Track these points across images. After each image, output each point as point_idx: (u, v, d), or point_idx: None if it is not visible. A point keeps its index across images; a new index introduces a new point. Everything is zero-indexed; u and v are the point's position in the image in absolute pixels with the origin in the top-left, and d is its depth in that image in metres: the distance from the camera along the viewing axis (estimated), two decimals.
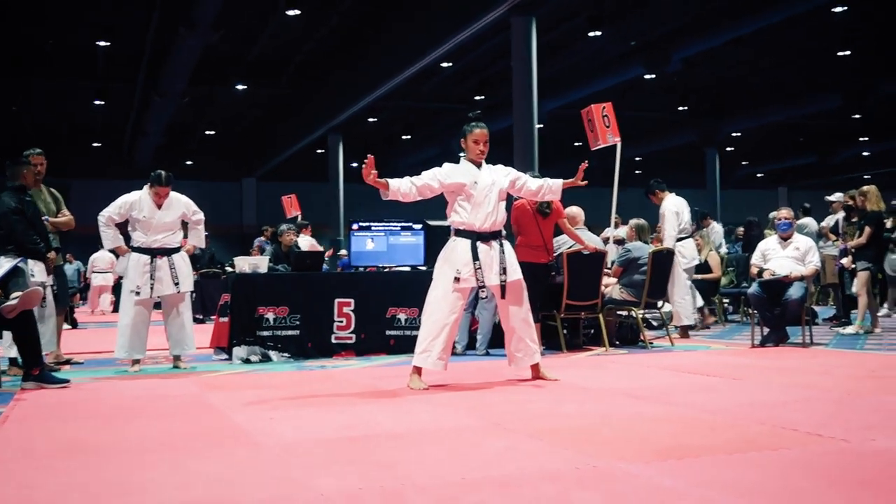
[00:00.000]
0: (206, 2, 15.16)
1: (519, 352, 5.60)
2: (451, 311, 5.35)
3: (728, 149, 30.53)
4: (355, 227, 8.00)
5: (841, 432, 3.69)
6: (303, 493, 2.87)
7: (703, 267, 10.71)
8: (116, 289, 19.80)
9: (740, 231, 14.32)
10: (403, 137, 28.90)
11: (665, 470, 3.08)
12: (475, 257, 5.36)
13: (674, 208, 8.85)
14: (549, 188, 5.72)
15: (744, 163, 34.49)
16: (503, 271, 5.43)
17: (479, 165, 5.54)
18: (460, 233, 5.45)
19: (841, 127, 27.90)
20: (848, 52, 20.06)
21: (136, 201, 6.84)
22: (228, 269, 10.87)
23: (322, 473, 3.13)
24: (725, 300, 11.93)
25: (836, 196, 10.78)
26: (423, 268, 8.11)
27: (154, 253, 6.80)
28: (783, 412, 4.25)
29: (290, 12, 16.54)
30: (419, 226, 8.17)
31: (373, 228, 8.02)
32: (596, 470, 3.10)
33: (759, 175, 36.13)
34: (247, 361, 7.24)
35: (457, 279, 5.34)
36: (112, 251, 7.10)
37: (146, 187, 6.89)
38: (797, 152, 31.73)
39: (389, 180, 5.27)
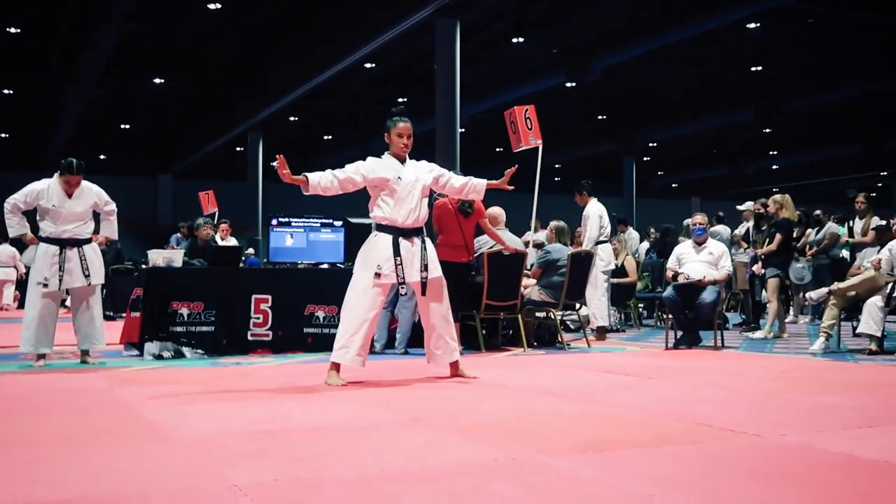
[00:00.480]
0: None
1: (438, 349, 5.57)
2: (371, 307, 5.29)
3: (645, 158, 31.17)
4: (274, 222, 7.86)
5: (753, 428, 3.76)
6: (215, 485, 2.78)
7: (620, 272, 10.87)
8: (21, 284, 19.11)
9: (653, 231, 14.60)
10: (325, 138, 28.69)
11: (584, 462, 3.08)
12: (396, 253, 5.31)
13: (597, 212, 8.96)
14: (473, 187, 5.70)
15: (659, 172, 35.28)
16: (424, 268, 5.39)
17: (402, 160, 5.50)
18: (382, 228, 5.39)
19: (752, 140, 28.74)
20: (760, 68, 20.69)
21: (44, 189, 6.57)
22: (143, 266, 10.56)
23: (236, 465, 3.04)
24: (640, 305, 12.13)
25: (747, 205, 11.09)
26: (343, 265, 8.01)
27: (63, 243, 6.54)
28: (698, 409, 4.32)
29: (211, 6, 16.28)
30: (339, 223, 8.07)
31: (292, 224, 7.89)
32: (516, 462, 3.09)
33: (674, 185, 36.99)
34: (159, 357, 7.03)
35: (377, 274, 5.28)
36: (16, 239, 6.79)
37: (56, 175, 6.63)
38: (711, 164, 32.59)
39: (309, 175, 5.16)
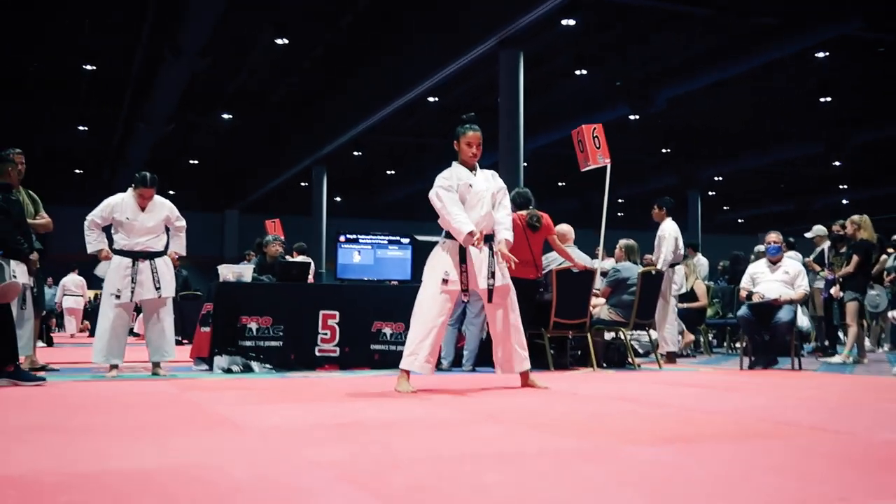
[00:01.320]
0: (193, 28, 15.16)
1: (506, 357, 5.47)
2: (440, 313, 5.23)
3: (710, 193, 30.76)
4: (342, 238, 7.87)
5: (845, 427, 3.59)
6: (292, 461, 2.73)
7: (689, 296, 10.66)
8: (88, 315, 19.52)
9: (721, 264, 14.30)
10: (388, 172, 28.95)
11: (669, 452, 2.95)
12: (463, 260, 5.27)
13: (674, 233, 8.80)
14: (501, 227, 5.44)
15: (725, 207, 34.77)
16: (491, 275, 5.33)
17: (472, 168, 5.46)
18: (449, 235, 5.34)
19: (821, 174, 28.20)
20: (829, 99, 20.32)
21: (118, 203, 6.69)
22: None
23: (311, 446, 2.98)
24: (711, 333, 11.86)
25: (816, 229, 10.76)
26: (410, 283, 7.99)
27: (136, 256, 6.63)
28: (782, 412, 4.15)
29: (279, 41, 16.60)
30: (406, 240, 8.06)
31: (360, 241, 7.91)
32: (598, 449, 2.98)
33: (739, 220, 36.41)
34: (228, 371, 7.05)
35: (445, 280, 5.23)
36: (95, 255, 6.88)
37: (130, 189, 6.75)
38: (777, 199, 32.04)
39: (467, 224, 5.14)
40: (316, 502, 2.14)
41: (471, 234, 5.10)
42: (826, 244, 10.49)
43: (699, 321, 10.92)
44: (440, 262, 5.31)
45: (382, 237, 8.01)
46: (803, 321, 11.15)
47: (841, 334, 10.35)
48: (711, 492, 2.29)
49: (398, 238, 8.04)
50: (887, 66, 17.90)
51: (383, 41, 17.39)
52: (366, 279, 7.95)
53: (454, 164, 5.49)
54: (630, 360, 8.04)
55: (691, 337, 10.45)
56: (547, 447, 3.04)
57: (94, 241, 6.76)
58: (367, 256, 7.90)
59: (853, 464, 2.74)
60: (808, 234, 11.15)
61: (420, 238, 8.05)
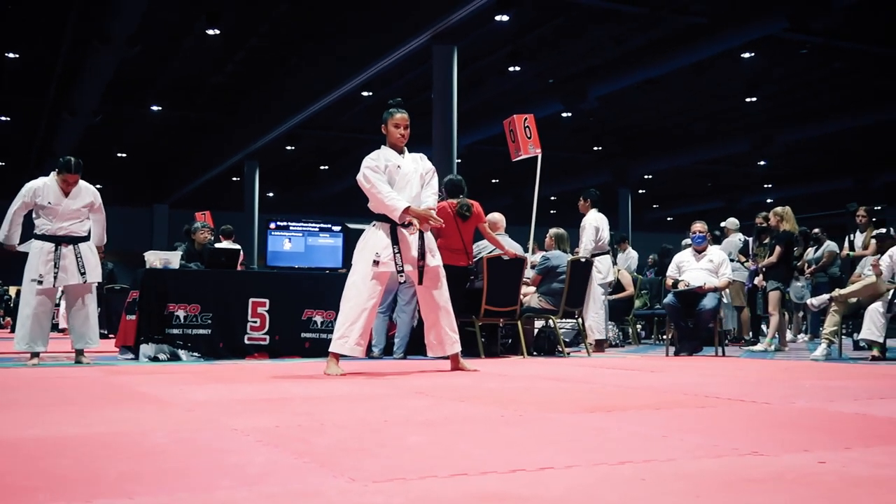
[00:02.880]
0: (122, 15, 14.84)
1: (438, 340, 5.50)
2: (370, 295, 5.23)
3: (640, 191, 31.26)
4: (273, 226, 7.81)
5: (762, 399, 3.70)
6: (215, 429, 2.71)
7: (616, 288, 10.83)
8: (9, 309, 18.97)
9: (651, 259, 14.59)
10: (321, 168, 28.75)
11: (591, 418, 3.01)
12: (395, 241, 5.27)
13: (594, 223, 8.92)
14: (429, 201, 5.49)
15: (654, 205, 35.39)
16: (421, 256, 5.34)
17: (400, 151, 5.48)
18: (380, 218, 5.35)
19: (747, 173, 28.90)
20: (754, 99, 20.83)
21: (40, 187, 6.51)
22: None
23: (234, 417, 2.97)
24: (639, 324, 12.07)
25: (730, 221, 11.08)
26: (341, 270, 7.96)
27: (59, 241, 6.47)
28: (704, 388, 4.26)
29: (210, 31, 16.35)
30: (337, 228, 8.03)
31: (291, 228, 7.85)
32: (522, 417, 3.02)
33: (668, 218, 37.08)
34: (154, 360, 6.93)
35: (376, 262, 5.24)
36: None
37: (53, 174, 6.58)
38: (705, 197, 32.71)
39: (398, 202, 5.18)
40: (233, 460, 2.13)
41: (406, 210, 5.12)
42: (737, 236, 10.86)
43: (626, 311, 11.10)
44: (371, 244, 5.31)
45: (313, 224, 7.97)
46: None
47: (764, 326, 10.63)
48: (630, 447, 2.35)
49: (329, 226, 8.01)
50: (810, 68, 18.43)
51: (317, 34, 17.28)
52: (296, 267, 7.89)
53: (382, 147, 5.50)
54: (560, 347, 8.14)
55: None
56: (473, 415, 3.07)
57: (8, 233, 6.54)
58: (298, 244, 7.85)
59: (766, 425, 2.84)
60: (723, 223, 11.45)
61: (351, 226, 8.02)
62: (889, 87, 19.32)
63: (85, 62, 17.10)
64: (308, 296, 7.55)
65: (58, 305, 13.37)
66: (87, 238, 6.65)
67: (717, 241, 12.23)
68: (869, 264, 8.13)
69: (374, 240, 5.32)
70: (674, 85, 19.25)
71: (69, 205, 6.52)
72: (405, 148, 5.51)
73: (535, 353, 8.16)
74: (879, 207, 30.87)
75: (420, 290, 5.46)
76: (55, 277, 6.43)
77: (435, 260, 5.44)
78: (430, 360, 7.30)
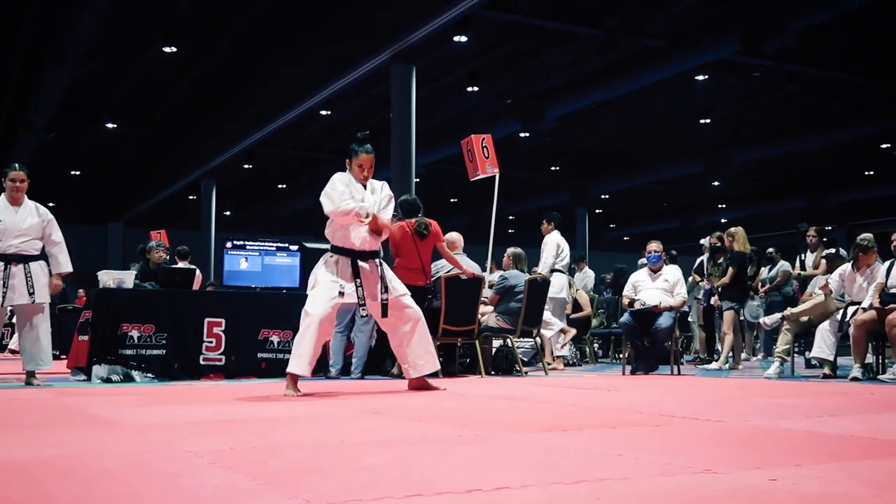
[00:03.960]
0: (77, 30, 14.67)
1: (420, 358, 5.48)
2: (328, 317, 5.22)
3: (597, 211, 31.55)
4: (229, 245, 7.76)
5: (716, 417, 3.75)
6: (165, 452, 2.67)
7: (573, 307, 10.90)
8: None
9: (608, 278, 14.69)
10: (279, 186, 28.59)
11: (548, 437, 3.02)
12: (356, 275, 5.28)
13: (556, 240, 9.01)
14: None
15: (611, 225, 35.73)
16: (385, 290, 5.36)
17: (363, 185, 5.51)
18: (339, 250, 5.35)
19: (702, 193, 29.29)
20: (708, 121, 21.15)
21: None
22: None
23: (188, 439, 2.93)
24: (596, 342, 12.14)
25: (705, 240, 11.15)
26: (299, 290, 7.91)
27: (9, 259, 6.34)
28: (659, 406, 4.29)
29: (167, 49, 16.23)
30: (295, 247, 8.00)
31: (247, 247, 7.81)
32: (479, 437, 3.02)
33: (625, 238, 37.43)
34: (107, 381, 6.82)
35: (341, 293, 5.24)
36: None
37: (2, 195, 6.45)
38: (661, 217, 33.10)
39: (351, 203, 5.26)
40: (187, 483, 2.10)
41: (358, 211, 5.23)
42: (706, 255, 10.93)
43: (584, 331, 11.17)
44: (333, 272, 5.29)
45: (270, 244, 7.94)
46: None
47: (719, 345, 10.75)
48: (586, 467, 2.36)
49: (286, 245, 7.98)
50: (764, 90, 18.78)
51: (276, 52, 17.22)
52: (253, 286, 7.84)
53: (349, 177, 5.50)
54: (517, 367, 8.16)
55: (572, 331, 10.51)
56: (430, 435, 3.06)
57: None
58: (255, 263, 7.80)
59: (721, 444, 2.87)
60: (703, 241, 11.47)
61: (309, 245, 8.01)
62: (841, 109, 19.75)
63: (39, 78, 16.86)
64: (265, 316, 7.49)
65: (7, 326, 13.12)
66: (38, 257, 6.53)
67: (673, 260, 12.39)
68: (819, 284, 8.28)
69: (336, 269, 5.30)
70: (630, 106, 19.47)
71: (17, 223, 6.39)
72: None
73: (493, 373, 8.17)
74: (830, 228, 31.49)
75: (390, 323, 5.47)
76: (3, 297, 6.30)
77: (397, 290, 5.46)
78: (388, 379, 7.30)
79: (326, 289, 5.24)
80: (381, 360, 7.93)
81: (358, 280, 5.27)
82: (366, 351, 7.50)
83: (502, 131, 20.16)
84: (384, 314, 5.37)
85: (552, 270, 8.98)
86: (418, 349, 5.48)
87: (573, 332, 10.04)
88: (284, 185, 28.54)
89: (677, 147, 23.74)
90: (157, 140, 23.41)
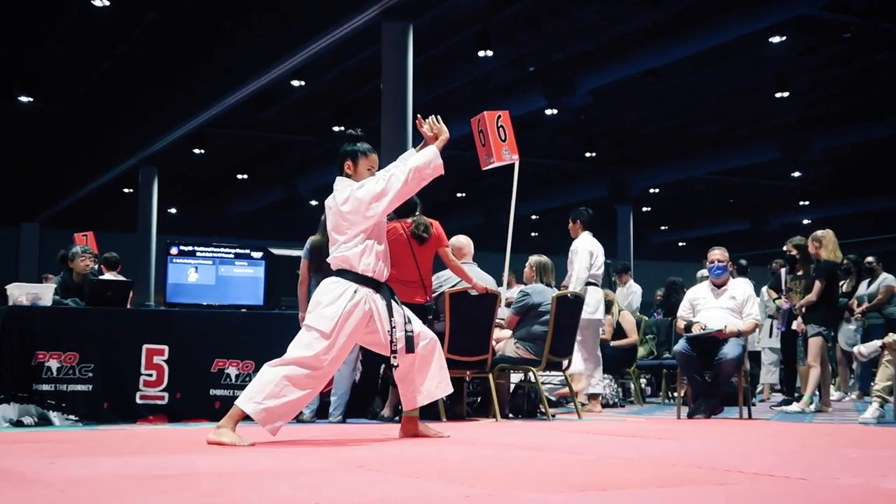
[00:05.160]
0: None
1: (433, 379, 5.55)
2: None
3: (644, 209, 31.54)
4: (174, 251, 7.77)
5: (798, 473, 3.73)
6: None
7: (616, 332, 10.89)
8: None
9: (659, 295, 14.68)
10: (239, 177, 28.63)
11: (584, 500, 3.01)
12: (390, 313, 5.36)
13: (589, 247, 8.99)
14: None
15: (662, 227, 35.72)
16: (408, 320, 5.47)
17: None
18: (359, 278, 5.35)
19: (777, 187, 29.24)
20: (786, 94, 21.07)
21: None
22: None
23: (123, 499, 2.92)
24: (643, 377, 12.13)
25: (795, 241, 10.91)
26: (263, 309, 7.95)
27: None
28: (722, 459, 4.28)
29: (98, 2, 16.25)
30: (259, 254, 8.00)
31: (198, 254, 7.82)
32: (493, 498, 3.01)
33: (680, 243, 37.45)
34: (18, 424, 6.81)
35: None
36: None
37: None
38: (725, 216, 33.06)
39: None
40: None
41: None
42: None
43: (628, 362, 11.14)
44: (356, 316, 5.28)
45: (227, 250, 7.95)
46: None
47: (800, 381, 10.73)
48: None
49: (247, 251, 7.98)
50: (854, 56, 18.72)
51: (236, 7, 17.25)
52: (205, 304, 7.86)
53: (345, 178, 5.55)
54: (542, 408, 8.15)
55: (581, 381, 10.35)
56: (429, 495, 3.06)
57: None
58: (207, 275, 7.82)
59: None
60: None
61: (276, 251, 8.01)
62: None
63: None
64: (219, 342, 7.51)
65: None
66: None
67: (742, 272, 12.37)
68: None
69: (357, 305, 5.30)
70: (684, 76, 19.46)
71: None
72: None
73: (510, 416, 8.15)
74: None
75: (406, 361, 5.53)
76: None
77: (418, 324, 5.57)
78: (377, 423, 7.29)
79: (343, 338, 5.24)
80: (367, 400, 7.93)
81: (393, 320, 5.34)
82: (348, 388, 7.49)
83: (522, 107, 20.16)
84: (411, 349, 5.42)
85: (586, 284, 8.95)
86: (434, 371, 5.56)
87: (580, 384, 9.85)
88: (245, 176, 28.59)
89: (745, 128, 23.70)
90: (82, 118, 23.45)
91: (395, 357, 5.35)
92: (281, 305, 8.18)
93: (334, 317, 5.18)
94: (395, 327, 5.32)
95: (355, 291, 5.27)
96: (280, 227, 29.40)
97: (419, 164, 5.41)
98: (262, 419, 5.02)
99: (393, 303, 5.39)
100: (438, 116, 5.67)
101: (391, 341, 5.32)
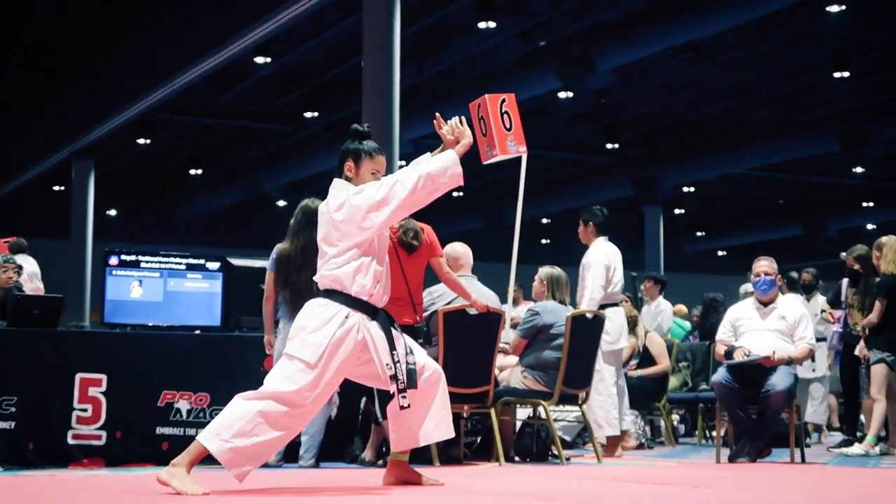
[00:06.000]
0: None
1: (434, 418, 5.52)
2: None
3: (676, 211, 31.54)
4: (114, 261, 7.77)
5: None
6: None
7: (643, 358, 10.88)
8: None
9: (696, 314, 14.68)
10: (191, 172, 28.63)
11: None
12: (392, 346, 5.32)
13: (603, 258, 8.95)
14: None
15: (699, 233, 35.71)
16: (410, 352, 5.43)
17: None
18: (352, 302, 5.31)
19: (836, 185, 29.24)
20: (846, 75, 21.06)
21: None
22: None
23: None
24: (676, 413, 12.12)
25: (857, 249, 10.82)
26: (220, 331, 7.95)
27: None
28: None
29: None
30: (216, 264, 8.00)
31: (142, 265, 7.83)
32: None
33: (719, 252, 37.45)
34: None
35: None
36: None
37: None
38: (774, 219, 33.05)
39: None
40: None
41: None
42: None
43: (657, 395, 11.12)
44: (347, 345, 5.27)
45: (178, 260, 7.95)
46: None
47: (864, 417, 10.72)
48: None
49: (202, 261, 7.99)
50: None
51: None
52: (151, 325, 7.86)
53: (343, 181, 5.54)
54: (555, 450, 8.14)
55: (632, 443, 10.29)
56: None
57: None
58: (153, 289, 7.84)
59: None
60: (843, 255, 11.31)
61: (235, 262, 8.01)
62: None
63: None
64: (168, 370, 7.52)
65: None
66: None
67: (792, 287, 12.36)
68: None
69: (349, 337, 5.27)
70: (724, 52, 19.46)
71: None
72: None
73: (516, 459, 8.16)
74: None
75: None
76: None
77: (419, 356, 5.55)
78: (357, 468, 7.28)
79: (330, 372, 5.22)
80: (344, 440, 7.91)
81: (395, 353, 5.30)
82: (322, 426, 7.48)
83: (532, 90, 20.19)
84: (412, 383, 5.39)
85: (602, 306, 8.87)
86: (434, 410, 5.54)
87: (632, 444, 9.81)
88: (200, 171, 28.60)
89: (798, 115, 23.70)
90: (2, 102, 23.43)
91: (403, 397, 5.28)
92: (242, 326, 8.17)
93: (321, 345, 5.12)
94: (398, 361, 5.27)
95: (346, 317, 5.21)
96: (241, 232, 29.32)
97: (433, 170, 5.29)
98: (227, 460, 4.97)
99: (393, 331, 5.35)
100: (463, 119, 5.60)
101: (397, 378, 5.25)
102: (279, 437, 5.11)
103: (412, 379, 5.34)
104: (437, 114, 5.67)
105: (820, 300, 11.38)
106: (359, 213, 5.22)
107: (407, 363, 5.34)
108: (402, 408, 5.33)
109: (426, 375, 5.49)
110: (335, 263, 5.28)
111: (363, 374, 5.43)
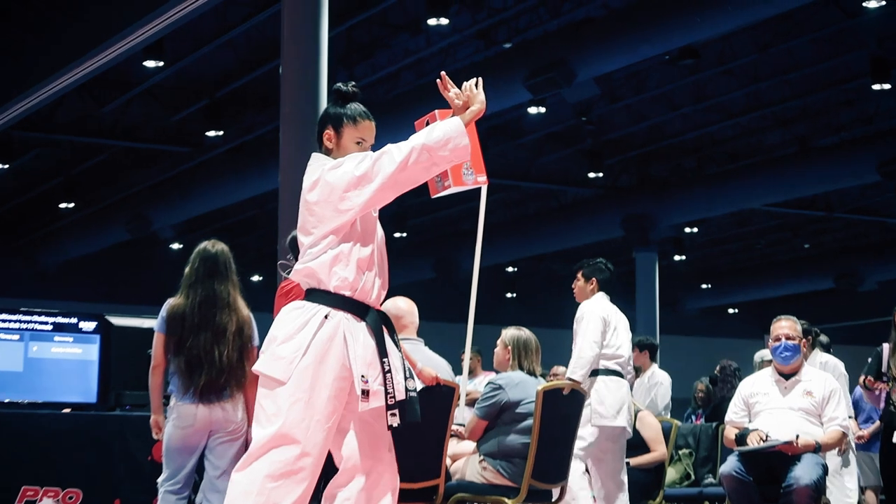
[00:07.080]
0: None
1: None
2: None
3: (676, 257, 31.67)
4: None
5: None
6: None
7: (634, 442, 10.90)
8: None
9: (701, 390, 14.75)
10: (63, 206, 28.51)
11: None
12: (384, 353, 5.28)
13: (602, 311, 9.01)
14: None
15: (703, 285, 35.87)
16: (409, 374, 5.42)
17: None
18: (335, 302, 5.29)
19: (875, 225, 29.47)
20: (886, 87, 21.32)
21: None
22: None
23: None
24: None
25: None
26: (97, 408, 7.92)
27: None
28: None
29: None
30: (91, 324, 7.98)
31: None
32: None
33: (730, 309, 37.60)
34: None
35: (364, 392, 5.16)
36: None
37: None
38: (797, 266, 33.27)
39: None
40: None
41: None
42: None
43: (651, 491, 11.14)
44: (334, 349, 5.22)
45: (43, 319, 7.93)
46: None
47: None
48: None
49: (74, 321, 7.97)
50: None
51: None
52: (6, 402, 7.83)
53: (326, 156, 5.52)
54: None
55: None
56: None
57: None
58: (11, 356, 7.82)
59: None
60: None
61: (116, 321, 7.99)
62: None
63: None
64: (29, 460, 7.52)
65: None
66: None
67: (824, 348, 12.42)
68: None
69: (336, 341, 5.24)
70: (737, 58, 19.63)
71: None
72: None
73: None
74: None
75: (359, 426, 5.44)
76: None
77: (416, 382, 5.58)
78: None
79: (323, 390, 5.16)
80: None
81: (386, 361, 5.24)
82: None
83: (495, 104, 20.22)
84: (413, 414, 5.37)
85: (596, 372, 8.92)
86: None
87: None
88: (72, 204, 28.47)
89: (826, 136, 23.90)
90: None
91: (392, 415, 5.20)
92: (124, 403, 8.13)
93: (294, 357, 5.06)
94: (389, 370, 5.21)
95: (326, 317, 5.16)
96: (125, 283, 29.23)
97: (432, 141, 5.18)
98: None
99: (388, 340, 5.33)
100: (480, 80, 5.50)
101: (386, 392, 5.18)
102: (303, 494, 5.03)
103: (413, 408, 5.30)
104: (443, 73, 5.55)
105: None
106: (335, 193, 5.17)
107: (406, 388, 5.29)
108: (389, 427, 5.26)
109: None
110: (310, 255, 5.25)
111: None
